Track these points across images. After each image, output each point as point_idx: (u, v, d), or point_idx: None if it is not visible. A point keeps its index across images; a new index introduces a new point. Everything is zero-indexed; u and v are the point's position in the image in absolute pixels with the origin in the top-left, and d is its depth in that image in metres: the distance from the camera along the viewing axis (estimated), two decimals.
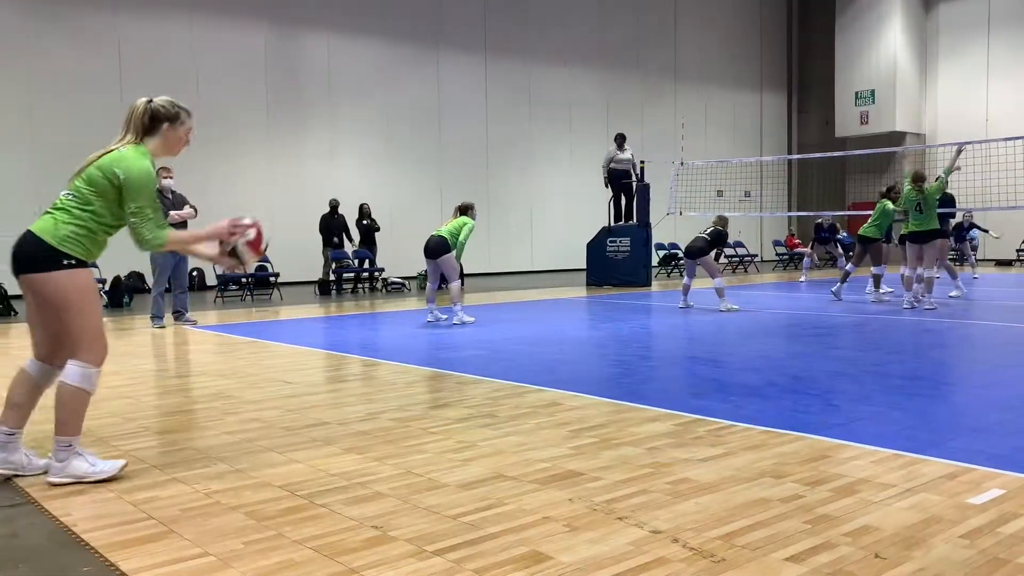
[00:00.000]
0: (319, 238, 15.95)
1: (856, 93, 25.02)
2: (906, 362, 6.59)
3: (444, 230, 9.61)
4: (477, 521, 2.99)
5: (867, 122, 24.72)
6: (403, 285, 16.04)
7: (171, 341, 8.81)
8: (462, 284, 9.91)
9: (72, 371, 3.48)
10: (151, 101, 3.66)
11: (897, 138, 23.91)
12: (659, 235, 18.76)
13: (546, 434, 4.30)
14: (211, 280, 16.04)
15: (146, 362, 7.33)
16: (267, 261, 15.20)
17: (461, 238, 9.52)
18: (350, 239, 16.00)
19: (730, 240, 22.12)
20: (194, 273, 16.28)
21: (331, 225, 15.85)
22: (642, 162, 16.68)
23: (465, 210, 9.86)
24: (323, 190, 17.33)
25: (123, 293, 13.20)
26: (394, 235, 18.32)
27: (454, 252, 9.51)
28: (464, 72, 20.33)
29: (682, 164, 18.48)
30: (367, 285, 16.28)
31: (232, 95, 17.10)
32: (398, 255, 17.82)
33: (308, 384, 5.97)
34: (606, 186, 16.63)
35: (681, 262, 20.26)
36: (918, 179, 10.43)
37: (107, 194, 3.51)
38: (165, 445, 4.26)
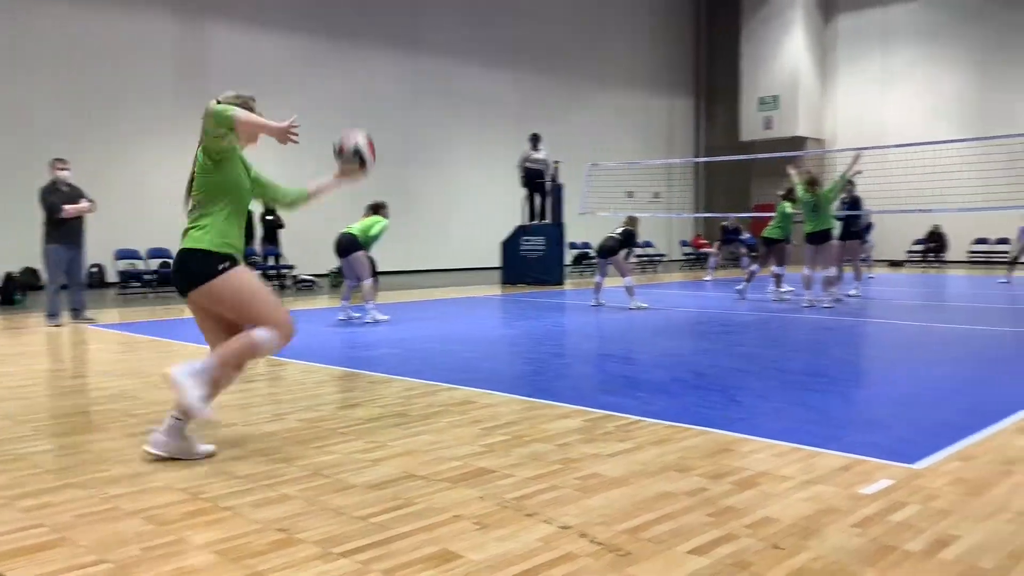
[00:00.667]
0: None
1: (760, 99, 25.86)
2: (805, 359, 6.86)
3: (355, 227, 9.51)
4: (386, 521, 2.97)
5: (771, 127, 25.58)
6: (314, 283, 15.77)
7: (68, 340, 8.43)
8: (376, 282, 9.77)
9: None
10: (217, 102, 3.88)
11: (799, 143, 24.81)
12: (572, 234, 18.96)
13: (458, 432, 4.30)
14: (112, 276, 15.41)
15: (41, 362, 7.00)
16: (172, 257, 14.71)
17: (372, 232, 9.42)
18: (251, 235, 15.57)
19: (640, 240, 22.60)
20: (93, 269, 15.61)
21: None
22: (556, 162, 16.85)
23: (377, 208, 9.77)
24: None
25: (15, 290, 12.55)
26: (304, 231, 17.98)
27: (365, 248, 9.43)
28: (383, 67, 20.09)
29: (595, 165, 18.74)
30: (276, 283, 15.93)
31: (136, 86, 16.45)
32: (308, 252, 17.50)
33: None
34: (522, 185, 16.73)
35: (593, 261, 20.57)
36: (812, 183, 10.87)
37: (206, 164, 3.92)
38: (61, 449, 4.08)
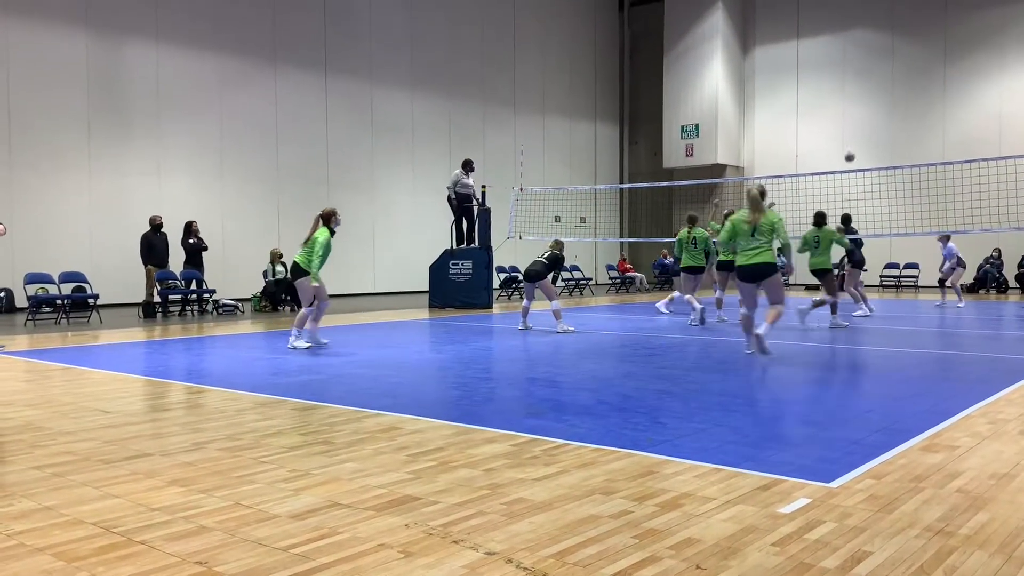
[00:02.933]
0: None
1: (682, 127, 26.54)
2: (726, 381, 7.02)
3: (299, 253, 9.22)
4: (309, 552, 2.91)
5: (692, 154, 26.26)
6: (236, 307, 15.42)
7: None
8: (322, 307, 9.34)
9: None
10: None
11: (719, 170, 25.52)
12: (500, 258, 19.07)
13: (384, 459, 4.25)
14: (21, 302, 14.77)
15: None
16: (86, 282, 14.21)
17: (313, 260, 9.03)
18: (166, 259, 15.13)
19: (566, 264, 22.86)
20: (1, 295, 14.96)
21: (154, 244, 14.98)
22: (484, 187, 16.94)
23: (326, 219, 9.34)
24: (149, 208, 16.37)
25: None
26: (226, 255, 17.62)
27: (309, 276, 9.07)
28: (303, 89, 19.89)
29: (521, 190, 18.91)
30: (196, 308, 15.52)
31: (47, 106, 15.89)
32: (230, 276, 17.14)
33: (128, 413, 5.61)
34: (452, 210, 16.76)
35: (520, 285, 20.69)
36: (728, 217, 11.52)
37: None
38: None
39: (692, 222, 12.41)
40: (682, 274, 12.50)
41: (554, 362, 8.28)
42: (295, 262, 9.26)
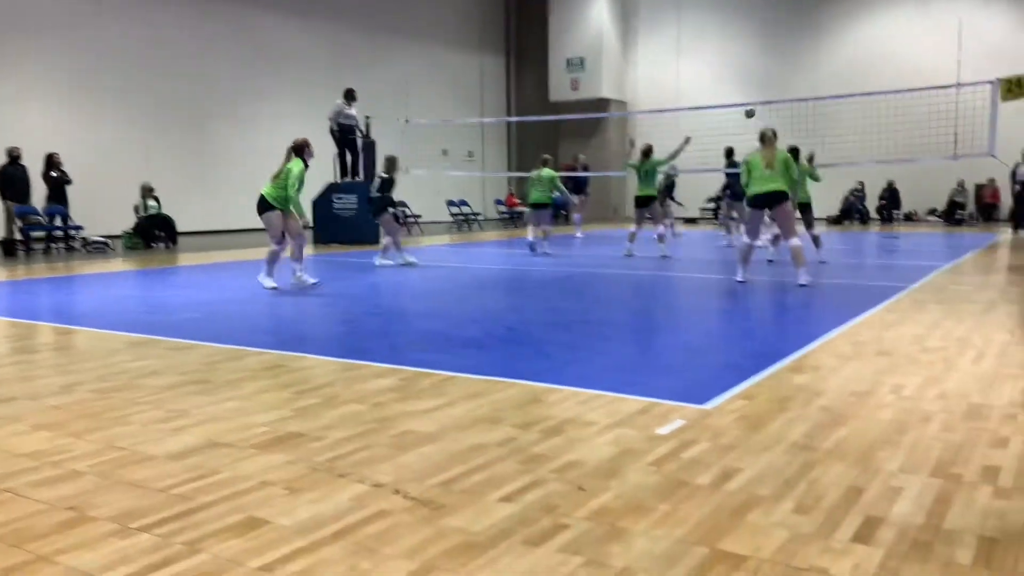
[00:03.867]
0: None
1: (568, 60, 26.52)
2: (607, 311, 7.20)
3: (267, 186, 8.56)
4: (189, 492, 2.84)
5: (577, 88, 26.34)
6: (106, 244, 14.63)
7: None
8: (300, 240, 8.65)
9: None
10: None
11: (603, 104, 25.73)
12: None
13: (267, 397, 4.17)
14: None
15: None
16: None
17: (290, 192, 8.40)
18: (27, 194, 14.16)
19: (455, 199, 22.73)
20: None
21: (11, 176, 13.95)
22: (368, 118, 16.50)
23: (298, 150, 8.67)
24: (6, 138, 15.15)
25: None
26: (93, 190, 16.60)
27: (280, 209, 8.43)
28: (178, 14, 18.67)
29: (407, 122, 18.54)
30: (62, 245, 14.64)
31: None
32: (99, 212, 16.19)
33: None
34: (335, 142, 16.26)
35: (409, 219, 20.46)
36: (647, 153, 12.30)
37: None
38: None
39: (647, 154, 12.43)
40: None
41: (442, 297, 8.28)
42: (262, 196, 8.51)
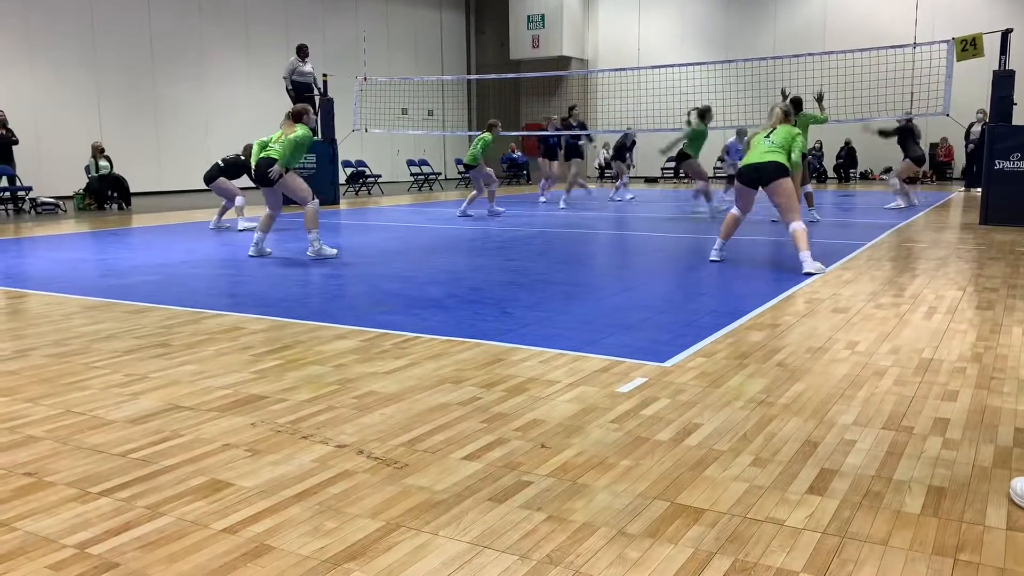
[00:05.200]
0: None
1: (528, 17, 26.21)
2: (568, 271, 7.22)
3: (274, 148, 7.90)
4: (149, 456, 2.82)
5: (538, 46, 26.09)
6: (57, 206, 14.27)
7: None
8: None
9: None
10: None
11: (564, 62, 25.55)
12: (345, 152, 18.48)
13: (227, 360, 4.13)
14: None
15: None
16: None
17: (284, 153, 7.80)
18: None
19: (415, 158, 22.50)
20: None
21: None
22: (324, 76, 16.20)
23: (298, 116, 8.03)
24: None
25: None
26: (41, 150, 16.14)
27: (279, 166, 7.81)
28: None
29: (365, 79, 18.24)
30: (10, 207, 14.25)
31: None
32: (46, 172, 15.76)
33: None
34: (291, 100, 15.94)
35: (369, 179, 20.24)
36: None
37: None
38: None
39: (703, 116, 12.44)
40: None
41: (404, 258, 8.23)
42: (265, 160, 7.89)
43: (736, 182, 7.35)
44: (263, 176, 7.86)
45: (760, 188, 7.11)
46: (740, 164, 7.40)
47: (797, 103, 11.32)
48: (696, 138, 12.42)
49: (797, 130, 7.25)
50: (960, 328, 4.73)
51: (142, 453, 2.84)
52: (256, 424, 3.14)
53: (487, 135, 13.14)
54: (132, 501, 2.45)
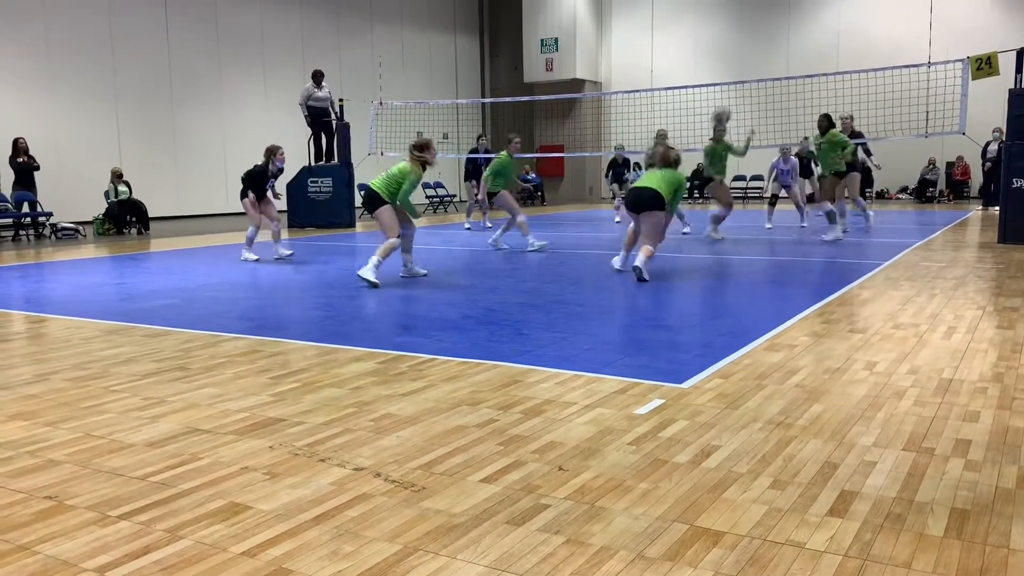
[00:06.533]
0: None
1: (542, 41, 26.40)
2: (584, 292, 7.22)
3: (376, 180, 7.93)
4: (168, 479, 2.83)
5: (552, 69, 26.25)
6: (77, 231, 14.43)
7: None
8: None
9: None
10: None
11: (577, 85, 25.68)
12: (361, 175, 18.59)
13: (245, 383, 4.15)
14: None
15: None
16: None
17: (402, 189, 7.78)
18: None
19: (430, 180, 22.61)
20: None
21: None
22: (340, 100, 16.37)
23: (421, 149, 8.03)
24: None
25: None
26: (62, 176, 16.36)
27: (391, 203, 7.82)
28: None
29: (381, 104, 18.40)
30: (31, 232, 14.42)
31: None
32: (66, 197, 15.96)
33: None
34: (308, 125, 16.12)
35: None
36: None
37: None
38: None
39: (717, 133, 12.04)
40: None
41: (419, 279, 8.26)
42: (371, 189, 7.88)
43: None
44: (375, 204, 7.85)
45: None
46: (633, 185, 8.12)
47: (827, 119, 11.52)
48: (713, 156, 12.16)
49: (682, 176, 8.02)
50: (980, 348, 4.69)
51: (161, 476, 2.86)
52: (274, 447, 3.15)
53: (503, 156, 12.27)
54: (151, 524, 2.46)
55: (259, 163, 10.36)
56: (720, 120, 11.96)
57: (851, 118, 12.98)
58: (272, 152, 10.20)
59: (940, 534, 2.34)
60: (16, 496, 2.69)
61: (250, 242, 10.31)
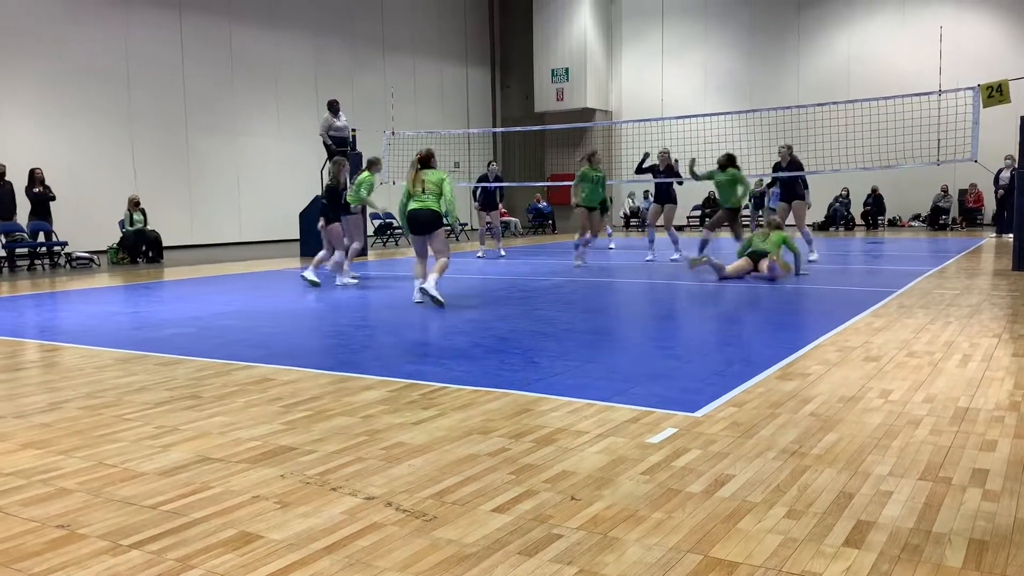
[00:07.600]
0: None
1: (552, 71, 26.62)
2: (595, 320, 7.21)
3: (425, 202, 8.00)
4: (180, 508, 2.83)
5: (562, 98, 26.44)
6: (91, 260, 14.55)
7: None
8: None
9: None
10: None
11: (588, 114, 25.84)
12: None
13: (256, 412, 4.15)
14: None
15: None
16: None
17: (447, 200, 8.13)
18: (11, 210, 14.10)
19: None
20: None
21: None
22: (354, 130, 16.51)
23: (426, 160, 8.22)
24: None
25: None
26: (77, 205, 16.52)
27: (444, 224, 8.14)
28: (154, 27, 18.65)
29: (393, 134, 18.55)
30: (47, 261, 14.55)
31: None
32: (81, 226, 16.10)
33: None
34: (328, 156, 16.25)
35: (397, 230, 20.45)
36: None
37: None
38: None
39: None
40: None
41: (430, 308, 8.27)
42: (429, 211, 8.02)
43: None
44: (430, 227, 8.07)
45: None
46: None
47: (731, 158, 11.76)
48: (720, 184, 12.08)
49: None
50: (996, 376, 4.65)
51: (173, 505, 2.85)
52: (285, 476, 3.15)
53: (586, 169, 12.97)
54: (163, 554, 2.45)
55: (328, 182, 10.40)
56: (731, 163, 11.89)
57: (789, 148, 13.07)
58: (340, 165, 10.22)
59: (959, 565, 2.31)
60: (28, 525, 2.70)
61: (340, 266, 10.30)
